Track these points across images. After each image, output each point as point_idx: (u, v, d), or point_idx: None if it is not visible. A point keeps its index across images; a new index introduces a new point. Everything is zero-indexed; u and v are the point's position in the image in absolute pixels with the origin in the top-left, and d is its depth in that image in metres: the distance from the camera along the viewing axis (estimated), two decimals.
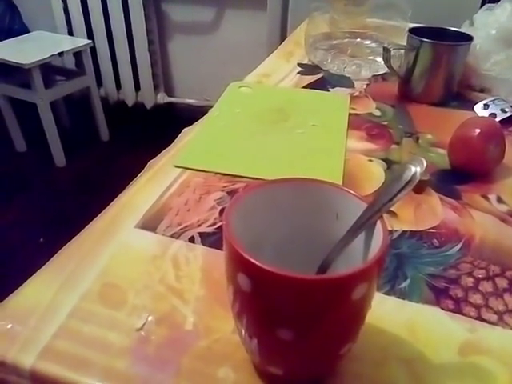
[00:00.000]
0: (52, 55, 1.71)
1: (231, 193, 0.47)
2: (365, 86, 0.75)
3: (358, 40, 0.86)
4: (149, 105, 2.14)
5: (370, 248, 0.25)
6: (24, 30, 2.07)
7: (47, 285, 0.36)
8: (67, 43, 1.84)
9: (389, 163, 0.54)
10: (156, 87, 2.12)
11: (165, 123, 2.22)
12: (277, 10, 1.71)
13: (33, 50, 1.73)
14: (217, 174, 0.49)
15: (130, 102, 2.13)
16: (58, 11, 1.98)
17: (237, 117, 0.62)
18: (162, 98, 2.15)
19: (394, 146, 0.57)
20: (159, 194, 0.46)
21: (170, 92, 2.21)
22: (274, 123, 0.61)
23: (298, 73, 0.79)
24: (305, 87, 0.74)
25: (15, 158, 1.99)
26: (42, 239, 1.56)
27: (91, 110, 2.01)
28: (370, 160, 0.54)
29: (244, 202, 0.27)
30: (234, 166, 0.51)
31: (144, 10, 1.91)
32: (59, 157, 1.90)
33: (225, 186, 0.48)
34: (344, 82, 0.76)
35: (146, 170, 0.50)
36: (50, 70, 1.88)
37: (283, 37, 1.78)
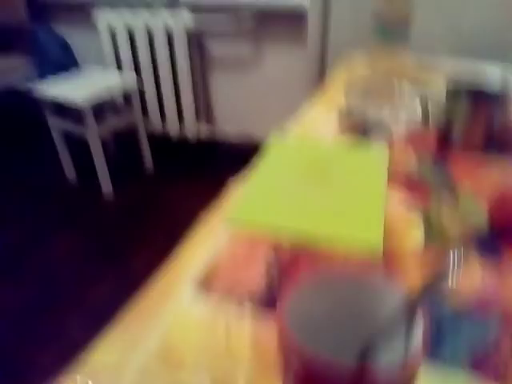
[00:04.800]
0: (102, 93, 1.83)
1: (276, 248, 0.50)
2: (403, 134, 0.77)
3: (397, 85, 0.88)
4: (191, 137, 2.23)
5: (413, 333, 0.28)
6: (76, 66, 2.23)
7: (114, 345, 0.40)
8: (116, 80, 1.96)
9: (428, 219, 0.55)
10: (198, 120, 2.21)
11: (206, 155, 2.32)
12: (316, 46, 1.76)
13: (85, 88, 1.86)
14: (263, 231, 0.53)
15: (173, 136, 2.24)
16: (108, 49, 2.12)
17: (279, 172, 0.66)
18: (204, 131, 2.24)
19: (432, 201, 0.59)
20: (210, 253, 0.49)
21: (211, 124, 2.29)
22: (316, 176, 0.64)
23: (337, 120, 0.82)
24: (344, 135, 0.77)
25: (66, 189, 2.12)
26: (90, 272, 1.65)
27: (137, 143, 2.13)
28: (409, 215, 0.56)
29: (294, 294, 0.30)
30: (278, 221, 0.54)
31: (188, 47, 2.02)
32: (107, 188, 2.00)
33: (270, 242, 0.51)
34: (382, 128, 0.78)
35: (197, 224, 0.55)
36: (100, 106, 2.01)
37: (321, 71, 1.82)
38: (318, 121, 0.82)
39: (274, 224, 0.54)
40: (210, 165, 2.25)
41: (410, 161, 0.69)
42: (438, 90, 0.80)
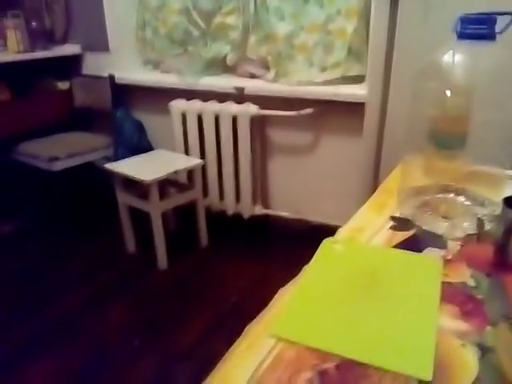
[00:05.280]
0: (169, 173, 1.97)
1: (321, 373, 0.50)
2: (458, 247, 0.76)
3: (452, 196, 0.88)
4: (246, 215, 2.30)
5: None
6: (148, 148, 2.44)
7: None
8: (183, 162, 2.11)
9: (483, 350, 0.53)
10: (254, 200, 2.29)
11: (260, 233, 2.37)
12: (372, 138, 1.81)
13: (153, 168, 2.02)
14: (309, 348, 0.53)
15: (230, 212, 2.32)
16: (178, 133, 2.30)
17: (329, 280, 0.67)
18: (259, 210, 2.31)
19: (488, 328, 0.57)
20: (254, 368, 0.50)
21: (266, 204, 2.37)
22: (365, 289, 0.64)
23: (391, 227, 0.83)
24: (397, 244, 0.77)
25: (124, 257, 2.23)
26: (136, 342, 1.67)
27: (195, 217, 2.22)
28: (463, 345, 0.54)
29: None
30: (324, 339, 0.54)
31: (250, 133, 2.15)
32: (162, 260, 2.08)
33: (315, 364, 0.51)
34: (437, 241, 0.78)
35: (243, 335, 0.56)
36: (164, 183, 2.16)
37: (377, 161, 1.86)
38: (370, 226, 0.84)
39: (319, 341, 0.54)
40: (263, 243, 2.29)
41: (464, 277, 0.67)
42: (495, 201, 0.79)
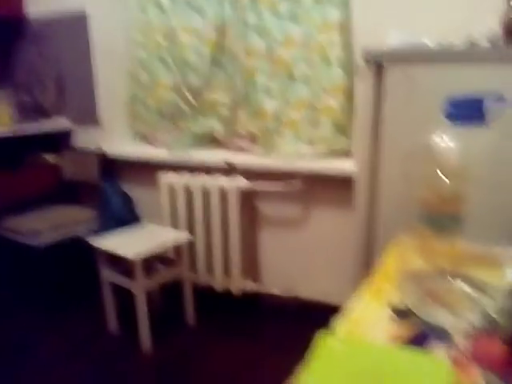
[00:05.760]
0: (155, 248, 1.91)
1: None
2: (465, 343, 0.70)
3: (452, 282, 0.84)
4: (236, 292, 2.21)
5: None
6: (136, 221, 2.38)
7: None
8: (170, 237, 2.05)
9: None
10: (244, 275, 2.21)
11: (250, 311, 2.25)
12: (363, 213, 1.79)
13: (139, 243, 1.95)
14: None
15: (218, 288, 2.23)
16: (166, 207, 2.27)
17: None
18: (249, 285, 2.22)
19: None
20: None
21: (256, 279, 2.28)
22: None
23: (391, 317, 0.77)
24: (399, 338, 0.71)
25: (106, 338, 2.08)
26: None
27: (181, 294, 2.12)
28: None
29: None
30: None
31: (239, 205, 2.12)
32: (146, 342, 1.95)
33: None
34: (441, 334, 0.72)
35: None
36: (150, 259, 2.08)
37: (370, 237, 1.82)
38: (369, 316, 0.78)
39: None
40: (253, 321, 2.18)
41: (476, 381, 0.61)
42: (497, 286, 0.75)
